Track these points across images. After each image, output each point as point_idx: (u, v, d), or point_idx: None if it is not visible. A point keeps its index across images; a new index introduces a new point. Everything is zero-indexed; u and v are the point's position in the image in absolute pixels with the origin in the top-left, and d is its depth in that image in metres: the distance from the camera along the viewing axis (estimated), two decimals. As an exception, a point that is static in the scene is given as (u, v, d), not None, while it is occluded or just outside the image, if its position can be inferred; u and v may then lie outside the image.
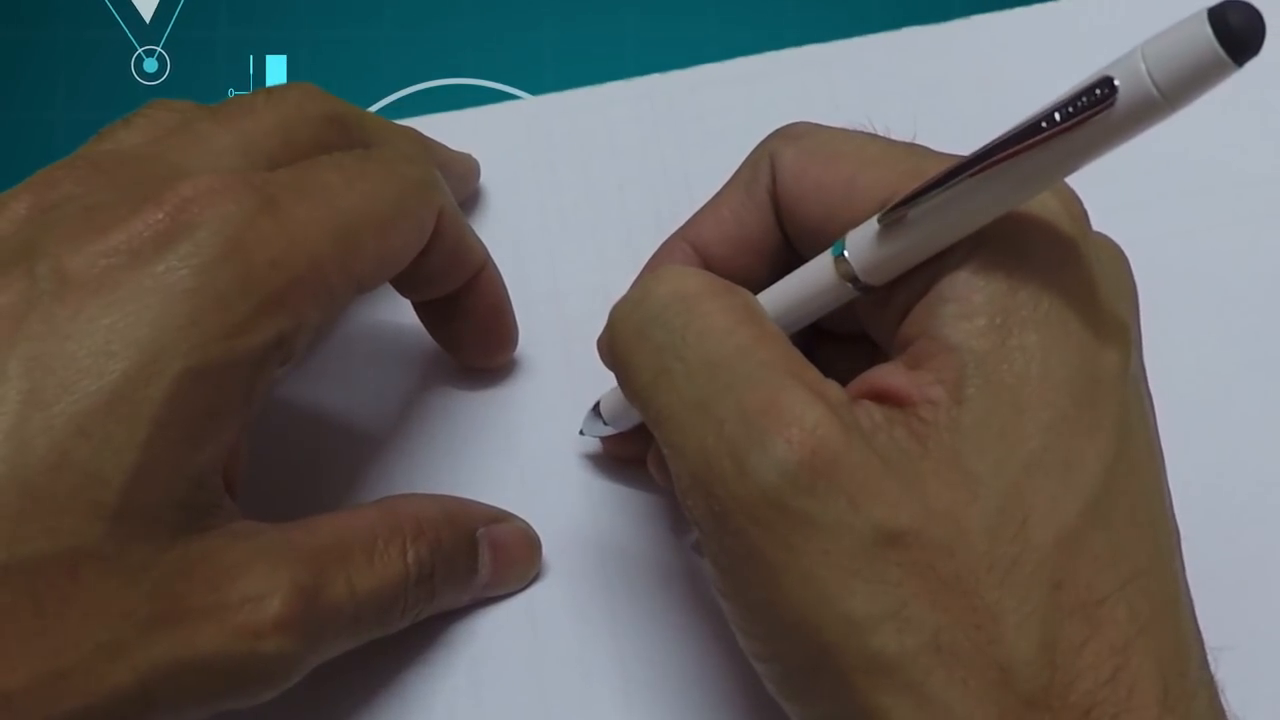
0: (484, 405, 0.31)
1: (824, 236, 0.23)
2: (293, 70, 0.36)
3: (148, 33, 0.36)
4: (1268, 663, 0.27)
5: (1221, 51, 0.16)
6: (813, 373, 0.21)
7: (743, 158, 0.26)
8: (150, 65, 0.36)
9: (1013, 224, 0.21)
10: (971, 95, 0.34)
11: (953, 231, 0.20)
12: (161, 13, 0.36)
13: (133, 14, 0.36)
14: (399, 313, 0.32)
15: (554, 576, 0.29)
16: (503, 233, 0.33)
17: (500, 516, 0.29)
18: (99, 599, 0.20)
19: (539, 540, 0.29)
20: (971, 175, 0.19)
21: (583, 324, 0.31)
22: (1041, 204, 0.21)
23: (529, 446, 0.31)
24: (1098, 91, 0.17)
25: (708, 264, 0.26)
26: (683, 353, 0.21)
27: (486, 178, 0.33)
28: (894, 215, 0.21)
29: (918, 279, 0.21)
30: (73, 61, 0.36)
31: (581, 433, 0.30)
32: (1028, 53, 0.35)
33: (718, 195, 0.26)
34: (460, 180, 0.32)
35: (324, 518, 0.25)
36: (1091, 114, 0.17)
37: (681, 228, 0.27)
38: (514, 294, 0.30)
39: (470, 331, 0.30)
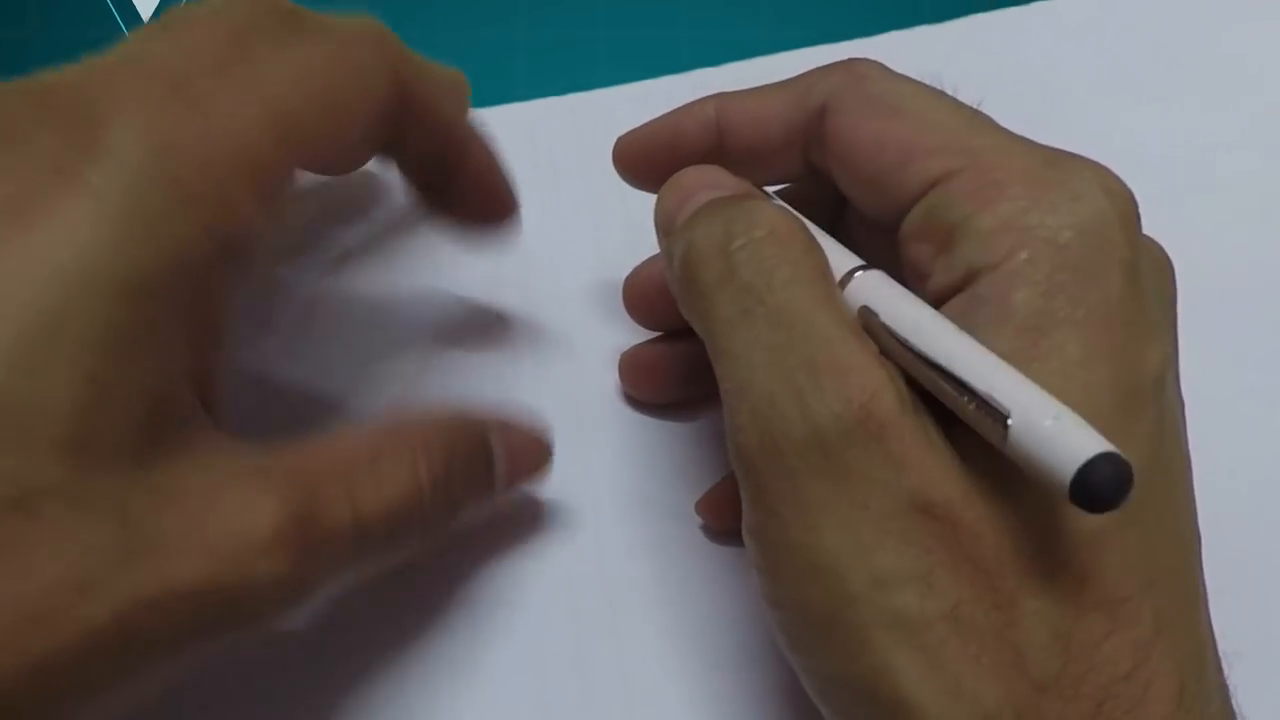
0: (484, 404, 0.31)
1: (868, 190, 0.24)
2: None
3: (148, 33, 0.36)
4: (1275, 668, 0.27)
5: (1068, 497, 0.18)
6: (874, 346, 0.21)
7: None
8: (150, 67, 0.36)
9: (1057, 223, 0.21)
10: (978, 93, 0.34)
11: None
12: (161, 13, 0.36)
13: (133, 14, 0.36)
14: (397, 299, 0.31)
15: (552, 575, 0.29)
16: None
17: (507, 417, 0.27)
18: (64, 537, 0.19)
19: (548, 427, 0.28)
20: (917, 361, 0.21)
21: (584, 325, 0.31)
22: (1092, 204, 0.21)
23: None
24: (996, 412, 0.19)
25: (724, 140, 0.26)
26: (766, 297, 0.22)
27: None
28: (872, 321, 0.22)
29: (955, 271, 0.22)
30: (73, 61, 0.36)
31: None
32: (1032, 49, 0.35)
33: (767, 90, 0.26)
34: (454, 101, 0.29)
35: (318, 438, 0.23)
36: (987, 421, 0.19)
37: (721, 94, 0.26)
38: (515, 295, 0.31)
39: (469, 195, 0.28)
